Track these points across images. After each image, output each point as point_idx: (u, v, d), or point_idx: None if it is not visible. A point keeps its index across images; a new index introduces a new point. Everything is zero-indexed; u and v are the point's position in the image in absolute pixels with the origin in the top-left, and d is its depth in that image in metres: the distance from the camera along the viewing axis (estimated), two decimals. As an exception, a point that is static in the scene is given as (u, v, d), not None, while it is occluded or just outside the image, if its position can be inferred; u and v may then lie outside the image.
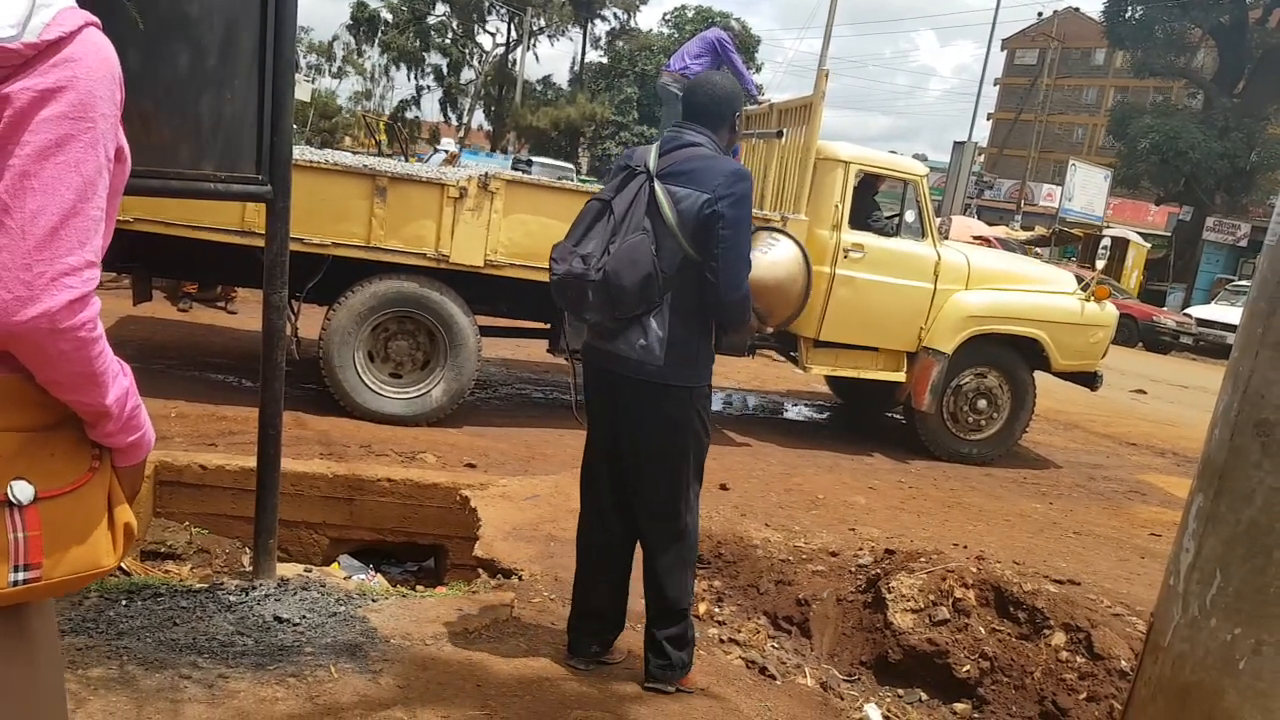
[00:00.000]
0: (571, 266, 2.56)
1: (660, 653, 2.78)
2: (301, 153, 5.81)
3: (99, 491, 1.23)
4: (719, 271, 2.57)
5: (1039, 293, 6.95)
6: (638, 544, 2.86)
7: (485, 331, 6.02)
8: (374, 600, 3.17)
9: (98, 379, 1.16)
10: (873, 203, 6.77)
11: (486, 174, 5.66)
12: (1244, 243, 25.96)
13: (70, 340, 1.10)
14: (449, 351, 5.69)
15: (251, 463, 3.23)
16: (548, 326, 6.48)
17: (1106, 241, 23.70)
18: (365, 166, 5.60)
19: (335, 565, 4.37)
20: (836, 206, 6.29)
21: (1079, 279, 7.61)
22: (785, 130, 6.74)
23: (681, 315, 2.62)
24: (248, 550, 3.93)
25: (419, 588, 4.03)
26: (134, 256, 5.52)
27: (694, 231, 2.57)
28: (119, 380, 1.21)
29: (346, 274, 5.51)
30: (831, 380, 8.22)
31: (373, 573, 4.36)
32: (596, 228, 2.62)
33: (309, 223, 5.21)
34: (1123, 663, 3.28)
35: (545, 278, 5.67)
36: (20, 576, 1.13)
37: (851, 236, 6.33)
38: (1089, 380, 7.13)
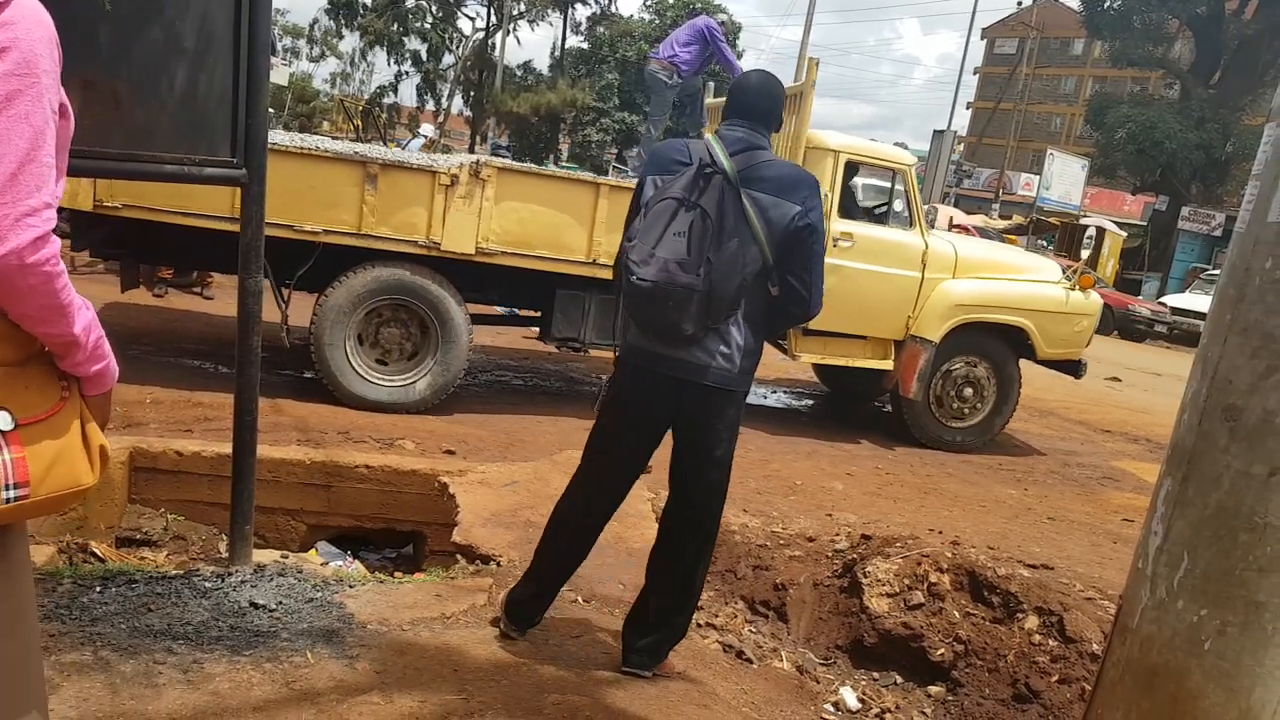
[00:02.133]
0: (671, 274, 2.40)
1: (647, 641, 2.79)
2: (280, 137, 5.75)
3: (71, 418, 1.36)
4: (812, 286, 2.54)
5: (1025, 282, 7.00)
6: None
7: (477, 320, 6.02)
8: (351, 586, 3.16)
9: (65, 310, 1.28)
10: (849, 190, 6.81)
11: (478, 161, 5.64)
12: (1219, 232, 26.21)
13: (37, 275, 1.21)
14: (440, 345, 5.68)
15: (228, 449, 3.20)
16: (538, 314, 6.47)
17: (1091, 231, 23.83)
18: (356, 154, 5.56)
19: (313, 551, 4.36)
20: (826, 195, 6.30)
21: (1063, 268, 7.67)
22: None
23: (753, 323, 2.59)
24: (224, 537, 3.91)
25: (397, 574, 4.02)
26: (122, 243, 5.47)
27: (780, 242, 2.49)
28: (83, 312, 1.33)
29: (337, 261, 5.47)
30: (818, 368, 8.26)
31: (350, 559, 4.36)
32: (672, 229, 2.45)
33: (300, 210, 5.19)
34: (1094, 646, 3.32)
35: (536, 265, 5.79)
36: (11, 494, 1.26)
37: (840, 225, 6.34)
38: (1073, 368, 7.19)
